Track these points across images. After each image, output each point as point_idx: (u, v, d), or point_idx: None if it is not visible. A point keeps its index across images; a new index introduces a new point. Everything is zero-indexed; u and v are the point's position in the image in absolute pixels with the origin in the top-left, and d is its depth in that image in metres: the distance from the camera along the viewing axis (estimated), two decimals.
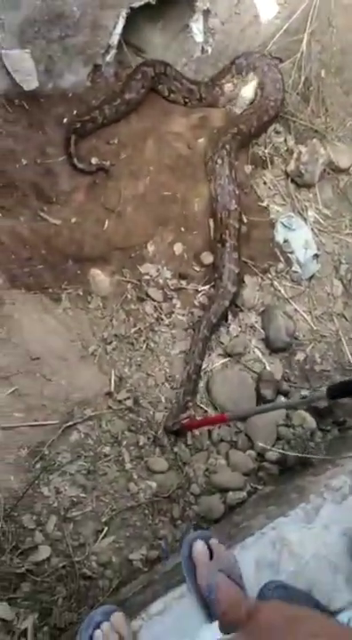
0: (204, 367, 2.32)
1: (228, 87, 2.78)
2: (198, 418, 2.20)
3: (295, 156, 2.81)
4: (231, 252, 2.45)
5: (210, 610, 1.32)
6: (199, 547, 1.48)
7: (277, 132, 2.90)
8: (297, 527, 1.58)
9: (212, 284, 2.48)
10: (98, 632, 1.25)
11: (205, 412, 2.26)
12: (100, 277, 2.35)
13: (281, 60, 2.83)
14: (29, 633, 1.61)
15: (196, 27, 2.62)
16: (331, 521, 1.61)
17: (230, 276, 2.43)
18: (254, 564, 1.51)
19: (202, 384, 2.31)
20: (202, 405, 2.26)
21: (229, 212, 2.50)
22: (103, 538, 1.88)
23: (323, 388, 1.89)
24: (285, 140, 2.91)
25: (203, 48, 2.71)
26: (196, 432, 2.21)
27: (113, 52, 2.49)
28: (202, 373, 2.31)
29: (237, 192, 2.55)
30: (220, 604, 1.27)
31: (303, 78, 2.86)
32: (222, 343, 2.41)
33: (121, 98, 2.51)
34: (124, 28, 2.43)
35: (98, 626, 1.27)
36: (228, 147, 2.56)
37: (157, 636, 1.27)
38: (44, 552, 1.78)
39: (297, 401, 2.12)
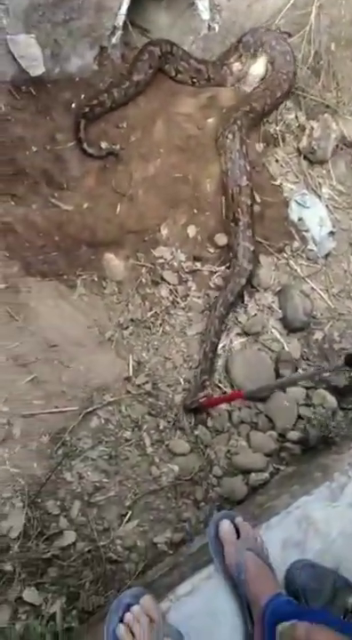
0: (221, 346, 2.31)
1: (236, 66, 2.74)
2: (216, 396, 2.19)
3: (307, 132, 2.77)
4: (245, 230, 2.42)
5: (238, 590, 1.32)
6: (226, 526, 1.47)
7: (288, 109, 2.86)
8: (322, 505, 1.57)
9: (227, 264, 2.46)
10: (128, 615, 1.25)
11: (224, 392, 2.25)
12: (115, 262, 2.34)
13: (290, 35, 2.78)
14: (58, 616, 1.62)
15: (202, 4, 2.57)
16: None
17: (246, 253, 2.41)
18: (280, 544, 1.50)
19: (220, 364, 2.30)
20: (220, 385, 2.25)
21: (241, 187, 2.47)
22: (127, 522, 1.88)
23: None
24: (296, 117, 2.87)
25: (209, 26, 2.66)
26: (216, 414, 2.20)
27: (118, 33, 2.45)
28: (219, 352, 2.30)
29: (248, 168, 2.51)
30: (249, 584, 1.27)
31: (313, 52, 2.80)
32: (240, 322, 2.39)
33: (129, 80, 2.48)
34: (129, 8, 2.39)
35: (128, 608, 1.26)
36: (239, 122, 2.52)
37: (186, 617, 1.26)
38: (70, 537, 1.78)
39: (313, 371, 2.08)
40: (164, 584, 1.44)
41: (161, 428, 2.11)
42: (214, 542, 1.48)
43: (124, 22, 2.45)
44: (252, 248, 2.42)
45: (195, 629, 1.17)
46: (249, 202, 2.46)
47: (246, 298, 2.45)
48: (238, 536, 1.46)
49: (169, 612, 1.31)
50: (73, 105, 2.45)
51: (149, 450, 2.05)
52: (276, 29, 2.76)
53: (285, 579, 1.38)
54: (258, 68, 2.74)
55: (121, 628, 1.24)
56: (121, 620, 1.26)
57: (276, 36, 2.71)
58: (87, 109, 2.40)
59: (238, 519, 1.50)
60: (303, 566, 1.37)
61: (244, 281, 2.37)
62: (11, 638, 1.55)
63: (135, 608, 1.27)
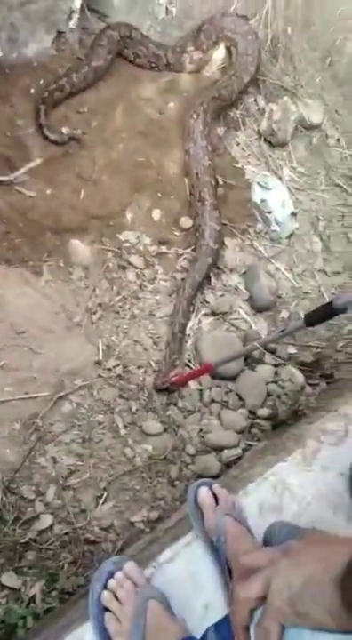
0: (190, 326, 2.33)
1: (196, 54, 2.75)
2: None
3: (267, 115, 2.81)
4: (211, 211, 2.45)
5: (218, 553, 1.34)
6: (204, 492, 1.50)
7: (248, 92, 2.88)
8: (296, 470, 1.61)
9: (193, 247, 2.48)
10: (112, 581, 1.26)
11: None
12: (80, 247, 2.33)
13: (247, 19, 2.80)
14: (38, 598, 1.62)
15: None
16: (329, 462, 1.64)
17: (212, 233, 2.43)
18: (258, 508, 1.53)
19: (190, 344, 2.32)
20: (190, 365, 2.27)
21: (204, 167, 2.49)
22: (103, 503, 1.89)
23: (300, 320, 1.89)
24: (256, 100, 2.90)
25: (167, 9, 2.67)
26: (187, 394, 2.22)
27: (76, 16, 2.44)
28: (188, 333, 2.32)
29: (210, 149, 2.54)
30: (228, 546, 1.29)
31: (270, 36, 2.84)
32: (208, 303, 2.41)
33: (88, 65, 2.47)
34: None
35: (111, 576, 1.27)
36: (205, 105, 2.55)
37: (169, 581, 1.28)
38: (46, 521, 1.78)
39: (277, 335, 2.11)
40: (144, 557, 1.46)
41: (133, 410, 2.12)
42: (194, 509, 1.50)
43: (82, 6, 2.44)
44: (218, 228, 2.44)
45: (178, 592, 1.19)
46: (213, 182, 2.49)
47: (213, 279, 2.47)
48: (217, 503, 1.49)
49: (152, 578, 1.33)
50: (32, 90, 2.43)
51: (122, 432, 2.06)
52: (232, 13, 2.78)
53: (264, 538, 1.41)
54: (218, 53, 2.76)
55: (105, 595, 1.25)
56: (105, 587, 1.27)
57: (234, 19, 2.73)
58: (46, 94, 2.38)
59: (215, 486, 1.53)
60: (282, 525, 1.41)
61: (210, 260, 2.40)
62: None
63: (118, 574, 1.28)
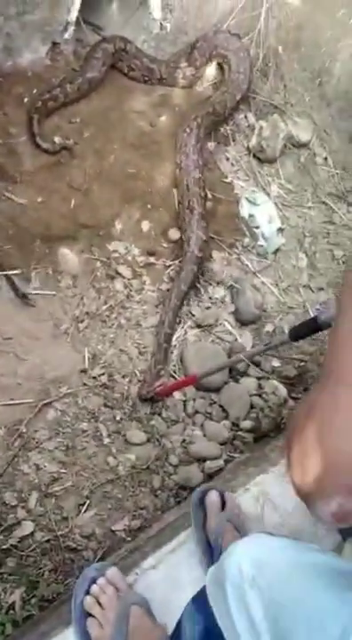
0: (176, 337, 2.35)
1: (189, 70, 2.78)
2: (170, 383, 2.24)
3: (256, 131, 2.85)
4: (199, 220, 2.48)
5: (212, 552, 1.36)
6: (213, 496, 1.53)
7: (239, 110, 2.93)
8: (278, 481, 1.63)
9: (181, 259, 2.50)
10: (95, 587, 1.26)
11: None
12: (69, 256, 2.34)
13: (239, 37, 2.85)
14: (17, 605, 1.61)
15: (154, 3, 2.61)
16: None
17: (197, 241, 2.46)
18: None
19: (175, 355, 2.34)
20: (175, 376, 2.29)
21: (195, 179, 2.53)
22: (85, 511, 1.90)
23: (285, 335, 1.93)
24: (246, 117, 2.94)
25: (161, 24, 2.71)
26: (171, 404, 2.23)
27: (71, 28, 2.47)
28: (174, 343, 2.34)
29: (201, 162, 2.58)
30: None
31: (262, 55, 2.89)
32: (194, 315, 2.44)
33: (82, 76, 2.50)
34: (82, 4, 2.41)
35: (93, 582, 1.28)
36: (199, 120, 2.59)
37: (151, 586, 1.29)
38: (28, 527, 1.78)
39: (262, 348, 2.14)
40: (126, 564, 1.46)
41: (117, 419, 2.13)
42: (197, 509, 1.53)
43: (77, 18, 2.46)
44: (204, 237, 2.47)
45: (160, 597, 1.20)
46: (202, 194, 2.53)
47: (200, 292, 2.50)
48: (223, 509, 1.52)
49: (135, 585, 1.34)
50: (25, 99, 2.45)
51: (106, 440, 2.07)
52: (225, 30, 2.83)
53: None
54: (211, 70, 2.81)
55: (88, 600, 1.26)
56: (87, 593, 1.28)
57: (227, 36, 2.78)
58: (40, 104, 2.40)
59: (227, 493, 1.56)
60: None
61: (195, 268, 2.42)
62: None
63: (101, 580, 1.29)
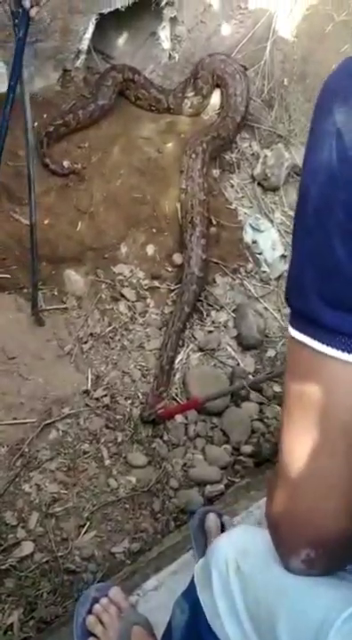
0: (178, 361, 2.37)
1: (196, 99, 2.84)
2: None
3: (261, 159, 2.90)
4: (200, 238, 2.50)
5: None
6: (212, 518, 1.54)
7: (243, 138, 2.99)
8: None
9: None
10: (97, 606, 1.26)
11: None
12: (75, 277, 2.37)
13: (246, 68, 2.92)
14: (15, 627, 1.60)
15: (164, 34, 2.69)
16: None
17: (197, 261, 2.48)
18: None
19: (177, 377, 2.35)
20: (177, 399, 2.30)
21: (199, 200, 2.57)
22: (85, 532, 1.89)
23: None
24: (251, 145, 3.00)
25: (170, 55, 2.78)
26: (172, 427, 2.24)
27: (83, 57, 2.53)
28: (177, 366, 2.35)
29: (206, 186, 2.62)
30: None
31: (267, 86, 2.96)
32: (196, 339, 2.45)
33: (95, 103, 2.56)
34: (93, 34, 2.48)
35: (95, 601, 1.28)
36: (205, 145, 2.64)
37: (153, 609, 1.29)
38: (27, 548, 1.77)
39: (265, 375, 2.15)
40: (128, 585, 1.46)
41: (119, 440, 2.13)
42: (197, 531, 1.53)
43: (88, 47, 2.53)
44: (203, 257, 2.49)
45: (162, 619, 1.19)
46: (206, 214, 2.56)
47: (203, 315, 2.52)
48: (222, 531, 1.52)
49: (136, 606, 1.33)
50: (35, 124, 2.50)
51: (107, 462, 2.07)
52: (221, 54, 2.86)
53: None
54: (216, 97, 2.87)
55: (90, 619, 1.25)
56: (89, 612, 1.27)
57: (222, 58, 2.82)
58: (51, 129, 2.45)
59: (225, 517, 1.57)
60: None
61: (196, 288, 2.43)
62: None
63: (103, 600, 1.29)
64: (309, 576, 0.77)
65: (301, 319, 0.69)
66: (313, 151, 0.69)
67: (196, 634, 0.92)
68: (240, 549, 0.91)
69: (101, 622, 1.24)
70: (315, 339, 0.67)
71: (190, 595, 0.98)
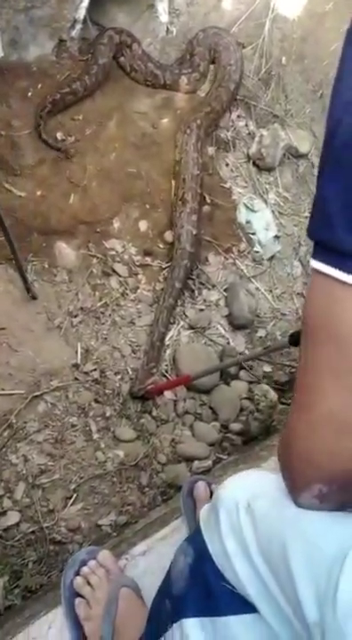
0: (169, 337, 2.35)
1: (193, 76, 2.80)
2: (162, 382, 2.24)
3: (257, 139, 2.88)
4: (191, 214, 2.49)
5: None
6: (202, 487, 1.54)
7: (239, 117, 2.96)
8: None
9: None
10: (85, 568, 1.25)
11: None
12: (66, 251, 2.34)
13: (243, 46, 2.89)
14: (0, 595, 1.60)
15: (162, 7, 2.64)
16: None
17: (188, 237, 2.46)
18: None
19: (168, 354, 2.34)
20: (167, 375, 2.29)
21: (192, 175, 2.54)
22: (72, 504, 1.88)
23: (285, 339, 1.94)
24: (247, 125, 2.97)
25: (168, 28, 2.74)
26: (161, 403, 2.23)
27: (78, 26, 2.49)
28: (167, 343, 2.34)
29: (200, 161, 2.59)
30: None
31: (264, 64, 2.92)
32: (188, 317, 2.44)
33: (96, 64, 2.51)
34: (90, 3, 2.43)
35: (84, 564, 1.27)
36: (199, 121, 2.61)
37: (141, 573, 1.29)
38: (13, 517, 1.76)
39: (260, 351, 2.14)
40: (116, 552, 1.45)
41: (107, 415, 2.12)
42: (186, 499, 1.54)
43: (85, 17, 2.48)
44: (194, 232, 2.47)
45: (150, 583, 1.19)
46: (199, 190, 2.54)
47: (195, 294, 2.50)
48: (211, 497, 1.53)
49: (125, 570, 1.33)
50: (29, 93, 2.46)
51: (95, 436, 2.06)
52: (213, 27, 2.82)
53: None
54: (212, 73, 2.83)
55: (78, 580, 1.25)
56: (77, 574, 1.27)
57: (215, 31, 2.79)
58: (58, 96, 2.41)
59: (214, 486, 1.57)
60: None
61: (187, 263, 2.42)
62: None
63: (92, 562, 1.28)
64: (320, 511, 0.77)
65: (326, 251, 0.69)
66: (345, 81, 0.67)
67: (201, 576, 0.91)
68: (249, 490, 0.92)
69: (89, 584, 1.24)
70: (340, 269, 0.67)
71: (195, 539, 0.97)
